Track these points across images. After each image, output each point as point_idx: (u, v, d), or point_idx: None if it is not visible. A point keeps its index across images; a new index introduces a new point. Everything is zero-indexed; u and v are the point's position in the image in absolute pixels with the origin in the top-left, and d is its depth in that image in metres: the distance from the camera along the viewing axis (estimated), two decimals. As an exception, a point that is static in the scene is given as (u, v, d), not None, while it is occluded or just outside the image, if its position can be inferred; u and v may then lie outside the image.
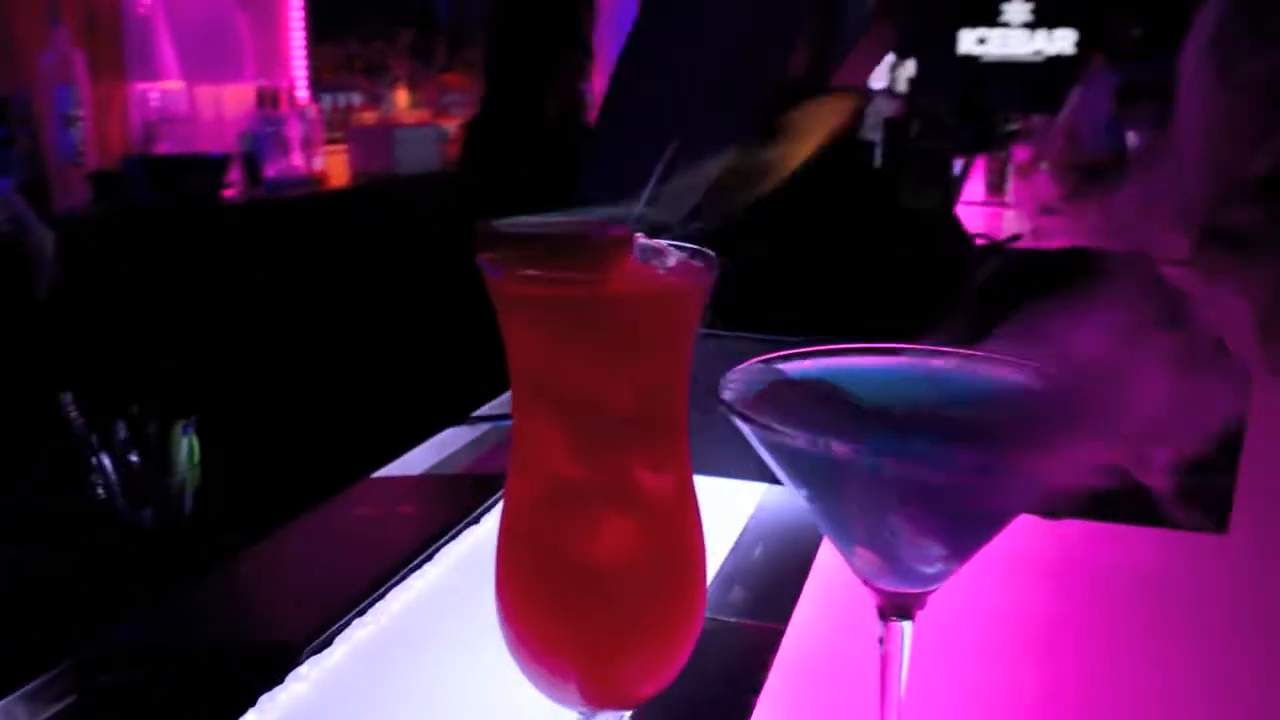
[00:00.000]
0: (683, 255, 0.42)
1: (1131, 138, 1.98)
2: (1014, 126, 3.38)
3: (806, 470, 0.37)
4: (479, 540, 0.77)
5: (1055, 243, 1.71)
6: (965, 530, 0.37)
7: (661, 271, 0.41)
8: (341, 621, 0.65)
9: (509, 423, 1.12)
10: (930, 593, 0.40)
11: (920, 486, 0.35)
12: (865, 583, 0.41)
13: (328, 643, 0.63)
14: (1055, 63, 6.87)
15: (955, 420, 0.37)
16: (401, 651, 0.63)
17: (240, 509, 0.87)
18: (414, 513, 0.86)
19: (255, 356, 1.95)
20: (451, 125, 3.55)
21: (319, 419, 1.68)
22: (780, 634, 0.64)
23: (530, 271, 0.39)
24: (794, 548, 0.74)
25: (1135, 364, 0.40)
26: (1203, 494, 0.73)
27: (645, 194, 0.89)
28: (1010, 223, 2.36)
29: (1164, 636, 0.63)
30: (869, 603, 0.67)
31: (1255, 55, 1.38)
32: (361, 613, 0.66)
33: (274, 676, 0.59)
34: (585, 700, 0.45)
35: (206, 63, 2.70)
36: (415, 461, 1.02)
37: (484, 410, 1.16)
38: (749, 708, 0.57)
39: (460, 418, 1.12)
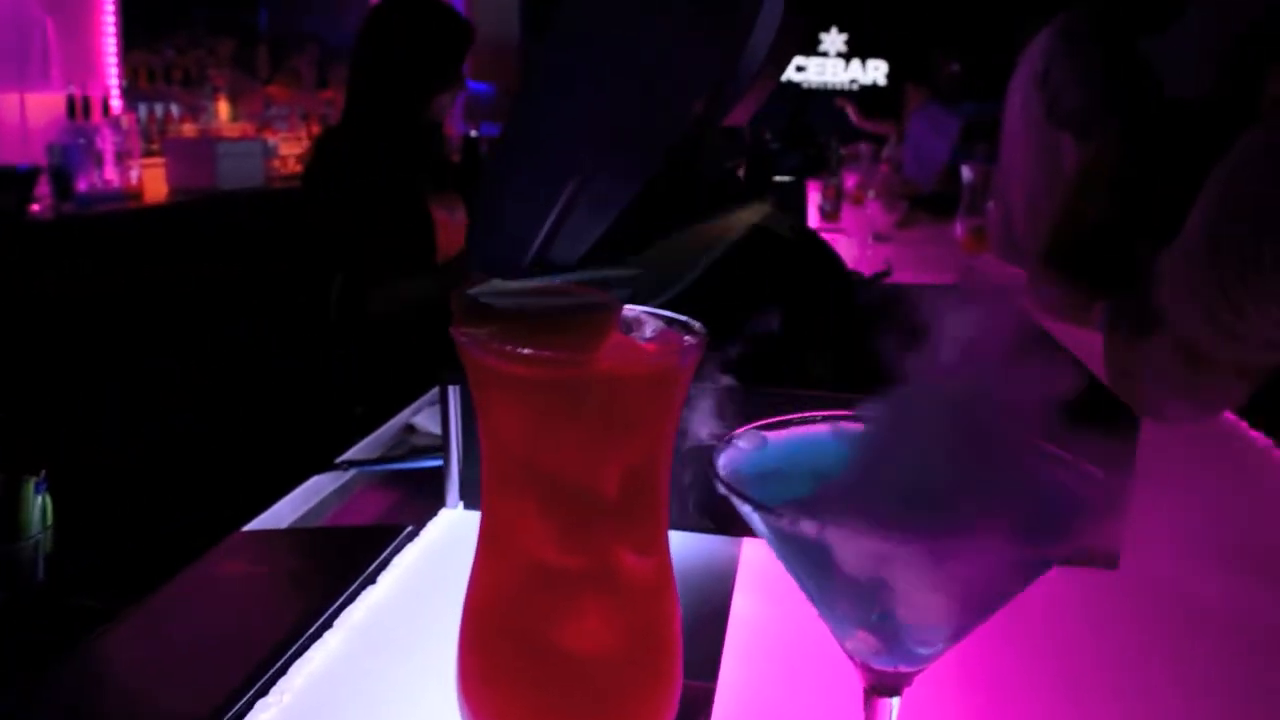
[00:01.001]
0: (662, 324, 0.41)
1: (965, 172, 2.09)
2: (842, 153, 3.52)
3: (808, 556, 0.36)
4: (379, 603, 0.73)
5: (910, 276, 1.79)
6: (971, 613, 0.36)
7: (645, 344, 0.39)
8: (240, 703, 0.60)
9: (380, 467, 1.08)
10: (921, 671, 0.40)
11: (935, 573, 0.34)
12: (856, 663, 0.40)
13: (230, 730, 0.57)
14: (870, 92, 7.22)
15: (962, 508, 0.37)
16: (315, 733, 0.58)
17: (98, 574, 0.79)
18: (295, 570, 0.81)
19: (97, 396, 1.79)
20: (276, 139, 3.40)
21: (174, 466, 1.56)
22: (711, 691, 0.63)
23: (513, 349, 0.36)
24: (710, 598, 0.73)
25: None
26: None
27: (543, 233, 0.86)
28: (847, 250, 2.44)
29: (1074, 666, 0.66)
30: (796, 654, 0.67)
31: (1078, 91, 1.46)
32: (263, 691, 0.61)
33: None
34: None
35: (9, 67, 2.49)
36: (283, 513, 0.95)
37: (350, 455, 1.10)
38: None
39: (324, 462, 1.06)
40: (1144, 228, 1.29)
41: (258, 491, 0.98)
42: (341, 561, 0.80)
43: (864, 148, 3.70)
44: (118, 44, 2.81)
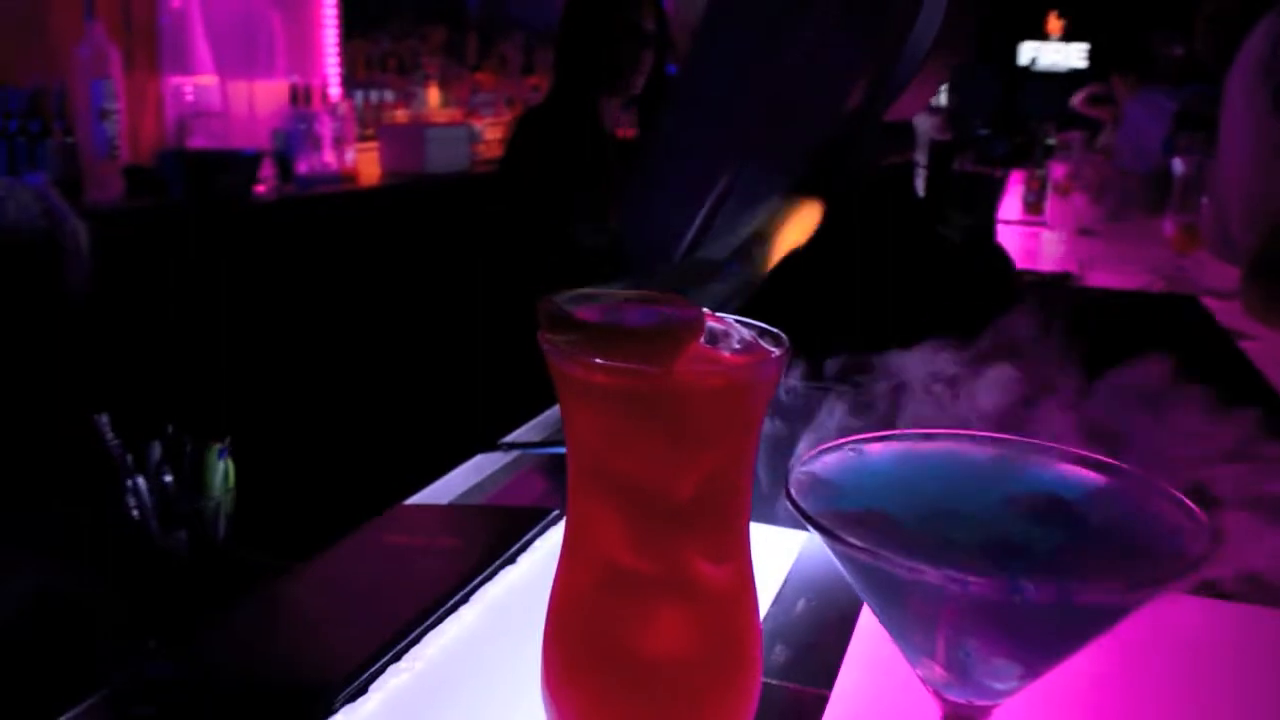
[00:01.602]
0: (749, 334, 0.41)
1: (1177, 164, 1.95)
2: (1052, 141, 3.34)
3: (880, 585, 0.36)
4: (515, 583, 0.76)
5: (1100, 279, 1.69)
6: (1047, 652, 0.35)
7: (729, 354, 0.40)
8: (375, 666, 0.64)
9: (540, 450, 1.12)
10: (998, 706, 0.38)
11: (1007, 614, 0.33)
12: (930, 691, 0.39)
13: (362, 690, 0.62)
14: (1082, 76, 6.79)
15: (1039, 545, 0.35)
16: (436, 702, 0.62)
17: (273, 533, 0.87)
18: (446, 545, 0.85)
19: (287, 370, 1.94)
20: (482, 124, 3.54)
21: (350, 438, 1.67)
22: (825, 699, 0.62)
23: (595, 360, 0.38)
24: (837, 602, 0.73)
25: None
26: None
27: (693, 230, 0.87)
28: (1048, 245, 2.33)
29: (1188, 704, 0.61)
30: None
31: None
32: (397, 658, 0.65)
33: (308, 725, 0.58)
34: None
35: (240, 58, 2.70)
36: (445, 489, 1.01)
37: (514, 436, 1.15)
38: (792, 781, 0.55)
39: (491, 442, 1.11)
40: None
41: (426, 467, 1.04)
42: (490, 540, 0.83)
43: (1076, 135, 3.49)
44: (337, 35, 3.00)
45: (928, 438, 0.41)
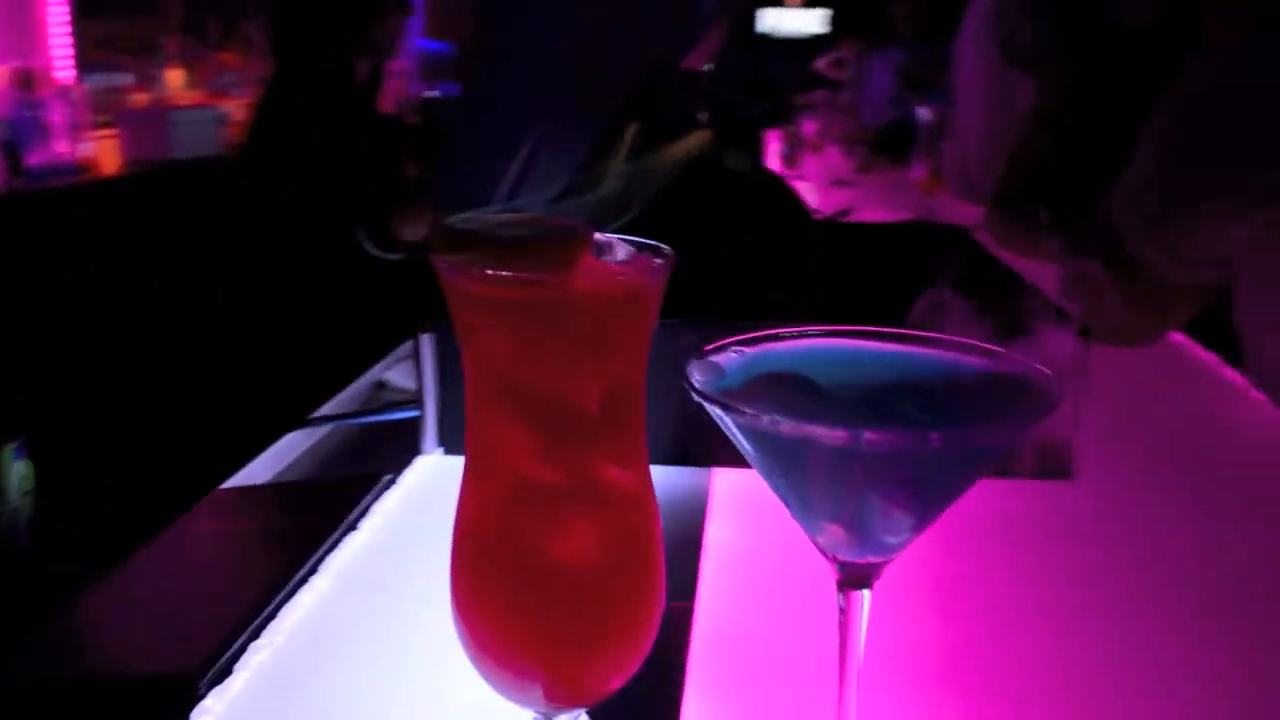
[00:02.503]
0: (630, 247, 0.42)
1: (922, 113, 2.11)
2: (800, 101, 3.52)
3: (784, 455, 0.38)
4: (362, 549, 0.74)
5: (871, 215, 1.81)
6: (935, 500, 0.39)
7: (618, 266, 0.41)
8: (235, 647, 0.62)
9: (353, 421, 1.09)
10: (889, 562, 0.42)
11: (904, 465, 0.36)
12: (828, 558, 0.42)
13: (226, 671, 0.59)
14: (825, 40, 7.16)
15: (925, 401, 0.39)
16: (308, 669, 0.60)
17: (80, 536, 0.80)
18: (277, 523, 0.82)
19: (67, 366, 1.78)
20: (231, 106, 3.36)
21: (148, 431, 1.55)
22: (690, 611, 0.65)
23: (496, 272, 0.38)
24: (684, 526, 0.76)
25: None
26: (1048, 444, 0.79)
27: (509, 180, 0.87)
28: (807, 195, 2.46)
29: (1024, 576, 0.69)
30: (772, 575, 0.70)
31: (1030, 27, 1.48)
32: (255, 635, 0.63)
33: (176, 714, 0.55)
34: (549, 700, 0.44)
35: (-51, 40, 2.44)
36: (257, 471, 0.97)
37: (323, 410, 1.11)
38: (678, 686, 0.57)
39: (296, 419, 1.07)
40: (1095, 163, 1.31)
41: (232, 451, 0.99)
42: (323, 512, 0.81)
43: (822, 94, 3.70)
44: (67, 14, 2.75)
45: (803, 335, 0.44)
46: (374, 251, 1.41)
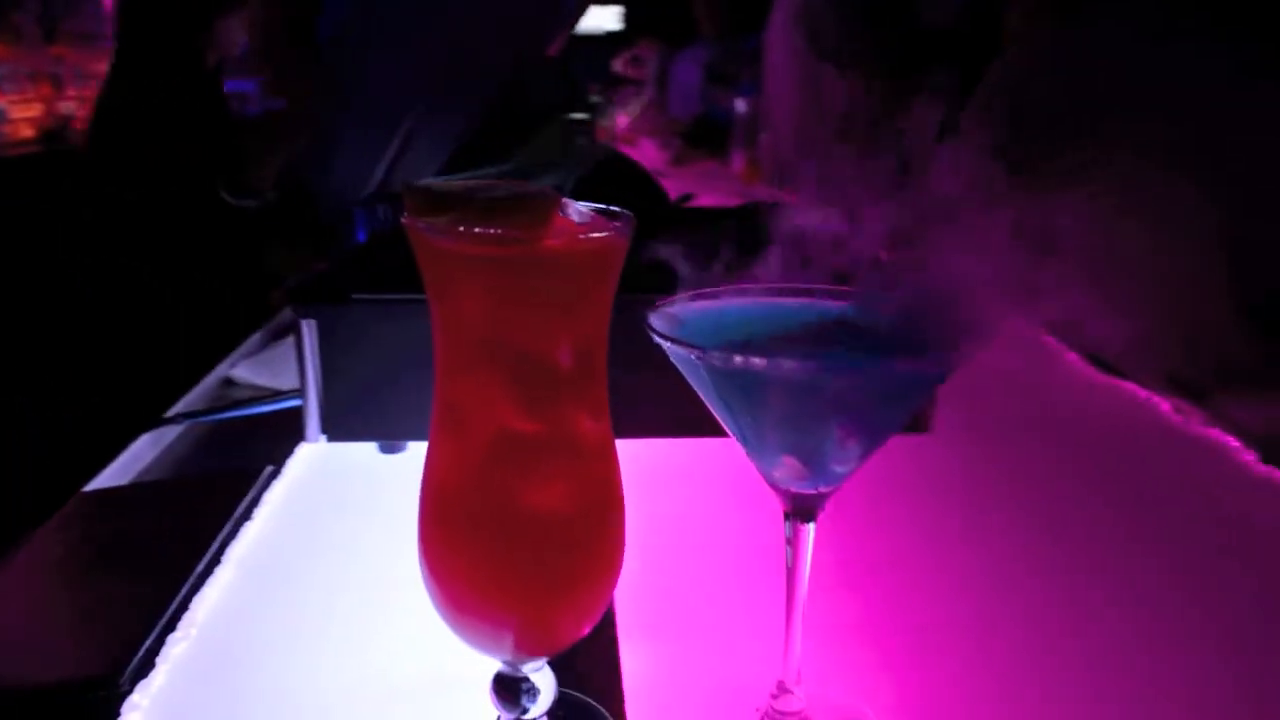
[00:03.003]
0: (589, 212, 0.44)
1: (739, 104, 2.20)
2: (597, 99, 3.58)
3: (750, 393, 0.42)
4: (260, 538, 0.73)
5: (708, 201, 1.88)
6: (882, 428, 0.43)
7: (587, 225, 0.43)
8: (149, 641, 0.60)
9: (211, 418, 1.05)
10: (832, 494, 0.46)
11: (859, 395, 0.40)
12: (777, 490, 0.46)
13: (148, 664, 0.57)
14: (621, 36, 7.27)
15: (872, 344, 0.43)
16: (228, 658, 0.59)
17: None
18: (158, 523, 0.79)
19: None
20: (4, 102, 3.10)
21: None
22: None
23: (477, 230, 0.39)
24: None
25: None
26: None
27: (383, 166, 0.87)
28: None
29: (888, 522, 0.75)
30: (690, 535, 0.73)
31: (836, 26, 1.58)
32: (170, 628, 0.61)
33: (103, 713, 0.53)
34: (518, 649, 0.46)
35: None
36: (122, 471, 0.92)
37: (176, 409, 1.07)
38: (612, 630, 0.60)
39: (145, 421, 1.03)
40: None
41: (82, 455, 0.94)
42: (206, 507, 0.79)
43: (630, 90, 3.78)
44: None
45: (741, 293, 0.48)
46: (229, 199, 1.35)
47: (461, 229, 0.39)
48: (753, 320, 0.47)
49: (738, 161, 2.20)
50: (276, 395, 1.07)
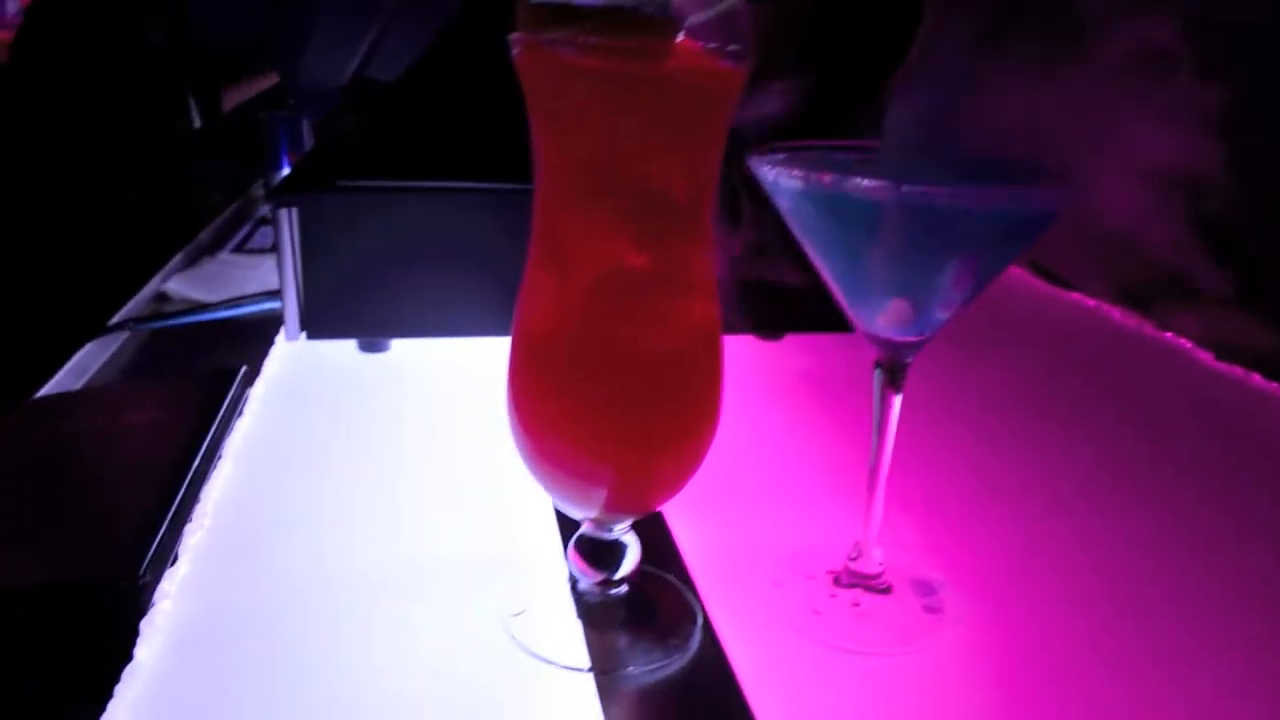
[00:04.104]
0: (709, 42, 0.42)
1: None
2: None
3: (866, 226, 0.40)
4: (255, 433, 0.69)
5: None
6: (993, 265, 0.42)
7: (710, 48, 0.40)
8: (159, 536, 0.55)
9: (163, 324, 0.99)
10: (926, 343, 0.45)
11: (984, 223, 0.39)
12: (873, 340, 0.45)
13: (162, 560, 0.53)
14: None
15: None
16: (249, 544, 0.55)
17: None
18: (139, 421, 0.73)
19: None
20: None
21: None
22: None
23: (604, 41, 0.37)
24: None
25: None
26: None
27: (353, 66, 0.82)
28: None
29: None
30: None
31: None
32: (180, 521, 0.57)
33: (129, 606, 0.49)
34: (614, 505, 0.44)
35: None
36: (70, 379, 0.86)
37: (121, 316, 1.00)
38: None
39: (88, 329, 0.96)
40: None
41: (21, 365, 0.88)
42: (186, 407, 0.73)
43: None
44: None
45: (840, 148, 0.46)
46: (197, 121, 1.26)
47: (585, 39, 0.37)
48: (849, 166, 0.45)
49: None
50: (223, 304, 1.01)
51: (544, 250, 0.41)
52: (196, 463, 0.64)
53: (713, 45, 0.40)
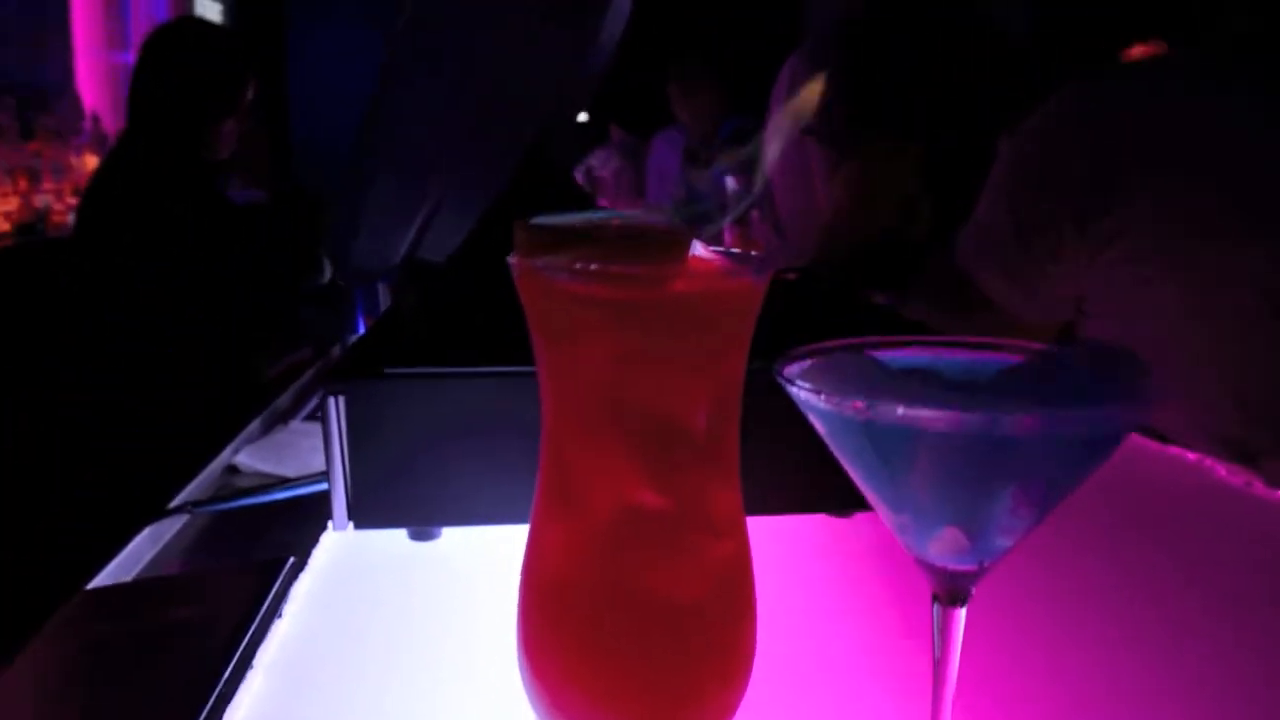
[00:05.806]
0: (715, 254, 0.39)
1: (729, 182, 2.19)
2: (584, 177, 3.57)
3: (910, 451, 0.36)
4: (291, 637, 0.66)
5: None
6: (1058, 490, 0.37)
7: (724, 264, 0.38)
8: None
9: (219, 507, 0.98)
10: (989, 572, 0.40)
11: (1038, 450, 0.35)
12: (927, 569, 0.40)
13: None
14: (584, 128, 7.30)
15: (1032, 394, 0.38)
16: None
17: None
18: (180, 619, 0.72)
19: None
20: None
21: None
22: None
23: (605, 268, 0.34)
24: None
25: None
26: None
27: (410, 236, 0.82)
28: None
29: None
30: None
31: (832, 110, 1.56)
32: (200, 743, 0.53)
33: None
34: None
35: None
36: (127, 566, 0.85)
37: (180, 499, 1.00)
38: None
39: (146, 510, 0.96)
40: (939, 223, 1.39)
41: (82, 551, 0.87)
42: (230, 603, 0.71)
43: (604, 174, 3.77)
44: None
45: (881, 345, 0.42)
46: (337, 279, 1.32)
47: (588, 266, 0.34)
48: (885, 374, 0.41)
49: (728, 237, 2.17)
50: (284, 482, 1.00)
51: (552, 488, 0.38)
52: (227, 672, 0.61)
53: (730, 254, 0.37)
